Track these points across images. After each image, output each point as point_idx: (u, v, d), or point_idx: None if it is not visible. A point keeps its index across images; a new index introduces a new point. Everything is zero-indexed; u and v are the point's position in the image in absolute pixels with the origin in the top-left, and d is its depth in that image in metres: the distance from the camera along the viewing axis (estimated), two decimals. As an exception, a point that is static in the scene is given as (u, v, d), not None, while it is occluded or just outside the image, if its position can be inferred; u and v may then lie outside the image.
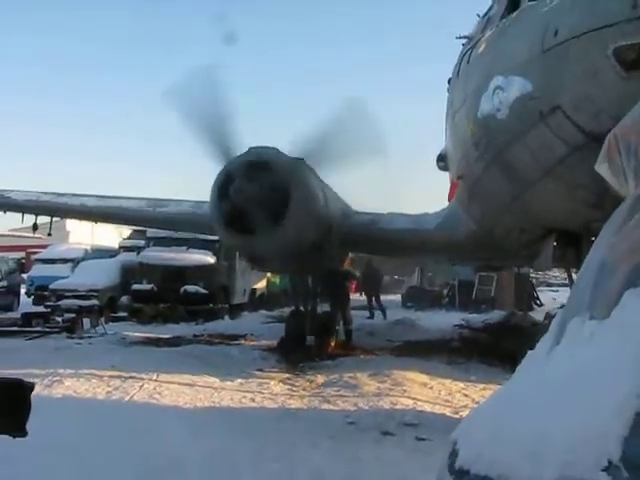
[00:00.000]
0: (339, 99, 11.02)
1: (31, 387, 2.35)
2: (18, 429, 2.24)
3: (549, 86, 6.33)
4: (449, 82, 10.10)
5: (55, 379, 9.69)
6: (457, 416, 7.96)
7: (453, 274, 29.62)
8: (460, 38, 9.82)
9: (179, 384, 9.68)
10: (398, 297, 34.24)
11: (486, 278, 27.31)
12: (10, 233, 41.77)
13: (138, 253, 22.41)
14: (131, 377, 10.00)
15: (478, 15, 9.48)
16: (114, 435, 6.48)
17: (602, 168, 3.99)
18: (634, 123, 3.77)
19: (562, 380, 2.81)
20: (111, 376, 10.04)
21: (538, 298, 28.18)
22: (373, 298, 25.40)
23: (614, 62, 5.63)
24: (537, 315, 20.18)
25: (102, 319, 18.17)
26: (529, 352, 3.58)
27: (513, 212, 8.77)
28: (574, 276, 8.60)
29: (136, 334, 16.63)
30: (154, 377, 10.08)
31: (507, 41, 7.33)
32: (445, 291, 31.20)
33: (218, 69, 11.56)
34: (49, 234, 18.53)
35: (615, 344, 2.72)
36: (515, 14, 7.34)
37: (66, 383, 9.49)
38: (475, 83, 7.91)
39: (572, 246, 8.26)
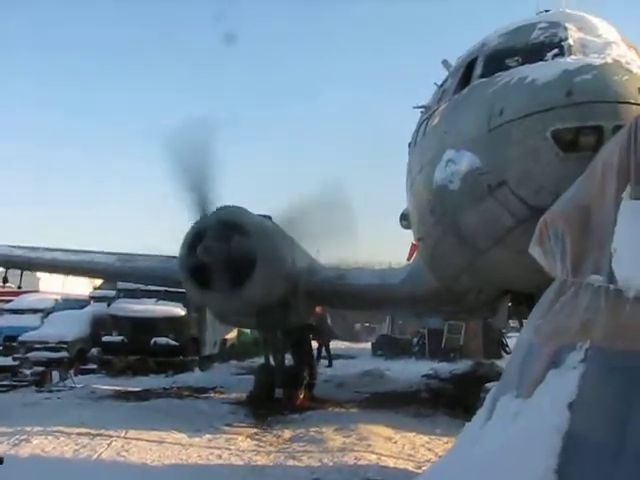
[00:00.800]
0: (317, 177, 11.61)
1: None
2: None
3: (495, 162, 6.82)
4: (409, 146, 10.58)
5: (22, 437, 9.65)
6: (419, 471, 8.13)
7: (423, 322, 29.92)
8: (417, 107, 10.33)
9: (147, 441, 9.73)
10: (369, 345, 34.47)
11: (455, 326, 27.64)
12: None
13: (109, 304, 22.44)
14: (99, 434, 10.00)
15: (436, 84, 10.00)
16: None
17: (535, 251, 4.39)
18: (562, 211, 4.18)
19: (489, 457, 3.16)
20: (79, 433, 10.04)
21: (507, 345, 28.50)
22: (323, 347, 25.52)
23: (552, 143, 6.12)
24: (505, 363, 20.50)
25: (71, 372, 18.15)
26: (466, 424, 3.90)
27: (470, 274, 9.19)
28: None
29: (105, 387, 16.59)
30: (122, 434, 10.10)
31: (458, 117, 7.82)
32: (415, 339, 31.47)
33: (213, 122, 11.95)
34: (19, 287, 18.56)
35: (535, 423, 3.06)
36: (466, 90, 7.85)
37: (34, 442, 9.45)
38: (430, 154, 8.39)
39: (527, 304, 8.64)
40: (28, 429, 10.18)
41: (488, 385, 4.15)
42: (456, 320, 25.99)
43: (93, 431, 10.22)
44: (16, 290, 27.36)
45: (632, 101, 6.02)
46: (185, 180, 10.99)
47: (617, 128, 5.59)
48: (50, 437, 9.79)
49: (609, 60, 6.51)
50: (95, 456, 8.81)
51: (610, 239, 3.34)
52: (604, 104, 6.01)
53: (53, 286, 36.10)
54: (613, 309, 3.10)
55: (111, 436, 9.95)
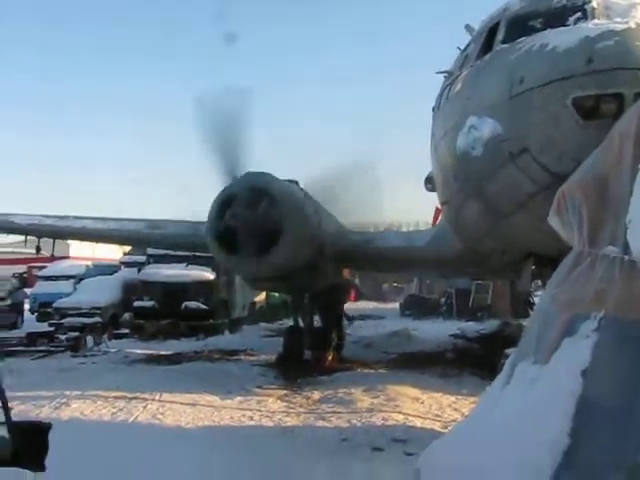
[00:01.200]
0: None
1: (48, 428, 2.78)
2: (37, 466, 2.68)
3: (517, 130, 6.86)
4: (433, 110, 10.58)
5: (62, 401, 10.02)
6: (446, 430, 8.31)
7: (451, 282, 30.01)
8: (440, 72, 10.30)
9: (181, 404, 10.05)
10: (397, 305, 34.69)
11: (482, 286, 27.73)
12: (11, 249, 42.23)
13: (139, 270, 22.84)
14: (135, 397, 10.34)
15: (459, 48, 9.96)
16: (120, 458, 6.87)
17: (553, 221, 4.47)
18: (579, 181, 4.24)
19: (508, 419, 3.32)
20: (115, 397, 10.37)
21: (534, 304, 28.53)
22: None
23: (573, 111, 6.14)
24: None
25: (105, 337, 18.62)
26: (487, 388, 4.05)
27: (493, 237, 9.27)
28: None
29: (138, 351, 17.01)
30: (157, 397, 10.43)
31: (480, 83, 7.84)
32: (443, 299, 31.60)
33: (249, 92, 12.05)
34: (52, 255, 18.95)
35: (551, 388, 3.20)
36: (488, 56, 7.84)
37: (72, 405, 9.82)
38: (453, 120, 8.42)
39: (550, 267, 8.70)
40: (67, 393, 10.54)
41: (507, 351, 4.29)
42: (483, 280, 26.04)
43: (128, 394, 10.55)
44: (48, 257, 27.99)
45: None
46: (216, 144, 11.13)
47: (638, 95, 5.61)
48: (88, 401, 10.12)
49: (632, 25, 6.44)
50: (132, 419, 9.12)
51: (626, 210, 3.41)
52: (625, 71, 5.99)
53: (83, 252, 36.78)
54: (627, 280, 3.19)
55: (146, 399, 10.27)
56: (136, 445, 7.56)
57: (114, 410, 9.63)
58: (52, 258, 25.82)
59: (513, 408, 3.30)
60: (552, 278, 4.01)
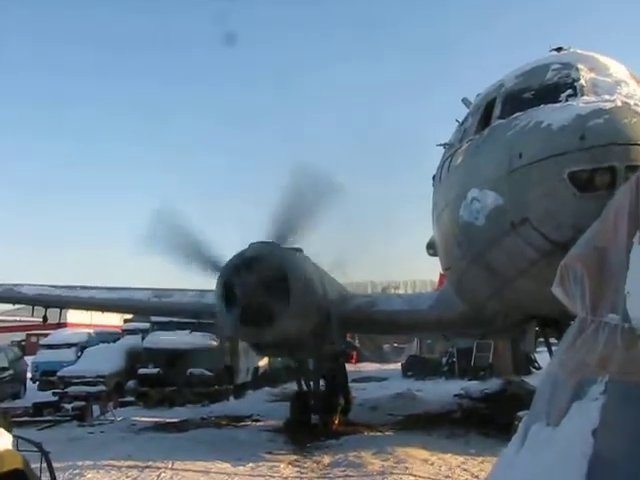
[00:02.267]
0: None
1: None
2: None
3: (517, 201, 7.31)
4: (433, 179, 11.04)
5: (76, 472, 10.14)
6: (457, 491, 8.51)
7: (452, 342, 30.06)
8: (440, 145, 10.80)
9: (194, 471, 10.18)
10: (398, 366, 34.64)
11: (483, 345, 27.75)
12: (12, 317, 42.22)
13: (143, 337, 22.95)
14: (147, 466, 10.47)
15: (457, 121, 10.48)
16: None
17: (557, 291, 4.81)
18: (580, 254, 4.59)
19: (525, 480, 3.55)
20: (129, 466, 10.50)
21: (536, 361, 28.57)
22: None
23: (569, 184, 6.59)
24: (535, 379, 20.72)
25: (110, 405, 18.63)
26: (503, 450, 4.32)
27: (497, 301, 9.62)
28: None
29: (144, 419, 17.04)
30: (169, 465, 10.56)
31: (480, 157, 8.32)
32: (444, 359, 31.58)
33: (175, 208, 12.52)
34: (45, 320, 18.94)
35: (564, 449, 3.47)
36: (486, 131, 8.33)
37: (87, 475, 9.95)
38: (454, 192, 8.88)
39: (553, 328, 9.03)
40: (80, 463, 10.64)
41: (520, 414, 4.56)
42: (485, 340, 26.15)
43: (141, 463, 10.68)
44: (46, 324, 27.95)
45: None
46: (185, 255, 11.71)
47: (629, 168, 6.05)
48: (102, 471, 10.25)
49: (619, 103, 6.95)
50: (147, 488, 9.26)
51: (624, 280, 3.72)
52: (615, 146, 6.47)
53: (81, 318, 36.77)
54: (628, 346, 3.49)
55: (159, 468, 10.40)
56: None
57: (128, 480, 9.76)
58: (50, 325, 25.94)
59: (529, 470, 3.55)
60: (560, 345, 4.32)
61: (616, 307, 3.73)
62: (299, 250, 12.69)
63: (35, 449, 4.78)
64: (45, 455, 4.72)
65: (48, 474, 4.55)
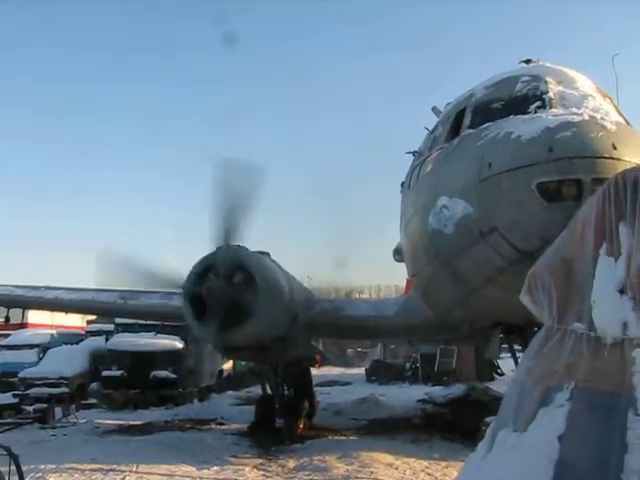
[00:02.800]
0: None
1: None
2: None
3: (487, 210, 7.45)
4: (402, 186, 11.16)
5: (38, 476, 9.95)
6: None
7: (416, 347, 30.31)
8: (409, 152, 10.93)
9: (159, 475, 10.10)
10: (362, 371, 34.82)
11: (447, 350, 28.04)
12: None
13: (107, 339, 22.76)
14: (111, 470, 10.33)
15: (426, 128, 10.61)
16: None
17: (525, 300, 4.92)
18: (547, 264, 4.70)
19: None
20: (92, 469, 10.35)
21: (499, 367, 28.93)
22: None
23: (537, 194, 6.76)
24: (498, 385, 21.04)
25: (73, 407, 18.43)
26: (470, 455, 4.41)
27: (463, 309, 9.77)
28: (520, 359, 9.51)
29: (108, 421, 16.89)
30: (134, 468, 10.44)
31: (450, 166, 8.46)
32: (408, 364, 31.83)
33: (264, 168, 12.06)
34: (22, 324, 18.77)
35: (530, 454, 3.56)
36: (456, 141, 8.47)
37: (50, 479, 9.82)
38: (423, 199, 9.00)
39: (517, 335, 9.21)
40: (42, 467, 10.43)
41: (488, 419, 4.65)
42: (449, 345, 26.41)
43: (105, 467, 10.54)
44: (4, 325, 27.47)
45: (607, 156, 6.68)
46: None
47: (595, 180, 6.22)
48: (65, 474, 10.10)
49: (586, 117, 7.15)
50: (111, 492, 9.17)
51: (590, 291, 3.83)
52: (582, 159, 6.66)
53: (42, 319, 36.18)
54: (593, 354, 3.59)
55: (123, 471, 10.29)
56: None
57: (92, 483, 9.66)
58: (11, 326, 25.52)
59: (496, 475, 3.64)
60: (526, 352, 4.42)
61: (582, 316, 3.83)
62: (266, 254, 12.71)
63: (4, 452, 4.74)
64: (14, 458, 4.69)
65: (17, 477, 4.52)
